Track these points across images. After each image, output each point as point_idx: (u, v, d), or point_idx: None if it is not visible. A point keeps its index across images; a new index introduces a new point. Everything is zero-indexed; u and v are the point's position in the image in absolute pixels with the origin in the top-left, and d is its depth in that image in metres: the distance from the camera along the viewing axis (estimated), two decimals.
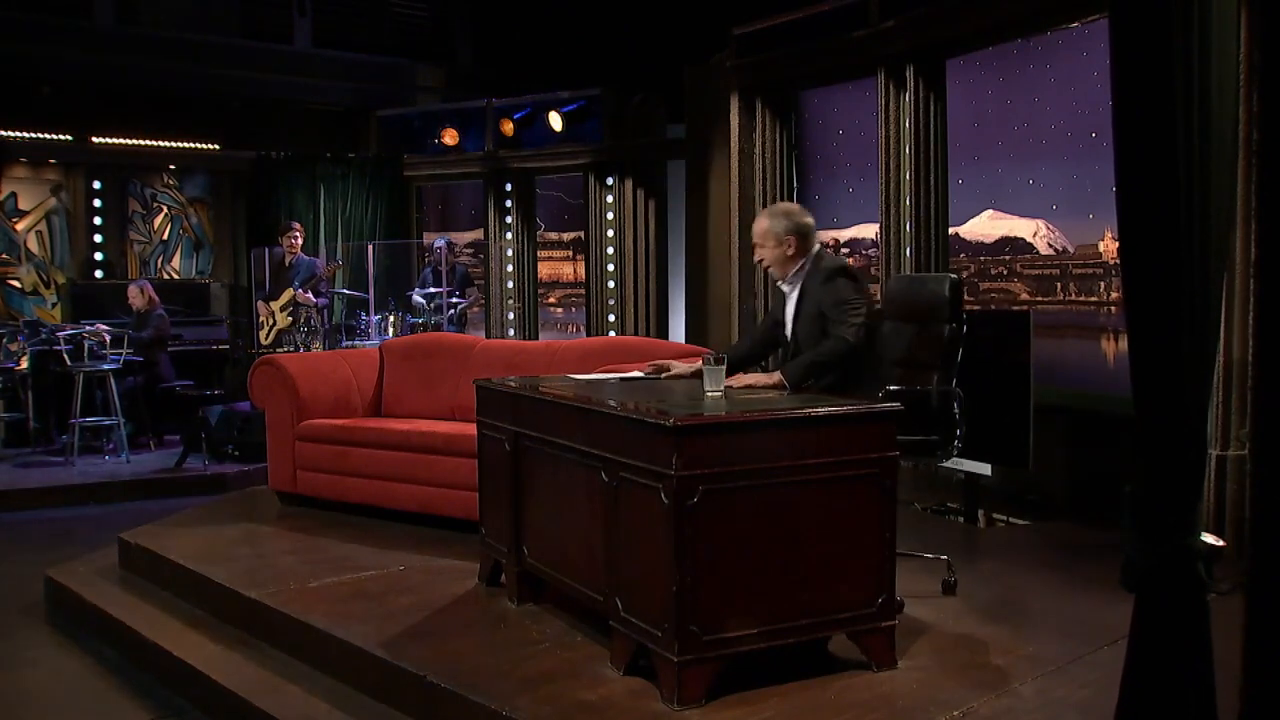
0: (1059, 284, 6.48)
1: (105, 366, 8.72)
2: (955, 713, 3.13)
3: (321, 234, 11.84)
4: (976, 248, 7.05)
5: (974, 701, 3.20)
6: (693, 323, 10.14)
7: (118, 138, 11.58)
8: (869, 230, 7.88)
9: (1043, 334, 6.02)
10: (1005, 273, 6.87)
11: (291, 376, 6.08)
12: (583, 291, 11.63)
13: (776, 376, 3.95)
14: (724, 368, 3.76)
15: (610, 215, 11.28)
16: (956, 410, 4.25)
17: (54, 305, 11.30)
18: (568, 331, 11.74)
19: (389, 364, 6.47)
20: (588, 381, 4.22)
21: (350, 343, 9.74)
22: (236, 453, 8.66)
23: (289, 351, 8.94)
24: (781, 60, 8.25)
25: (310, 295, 9.52)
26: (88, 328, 9.03)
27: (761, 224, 4.21)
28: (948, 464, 4.93)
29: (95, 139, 11.44)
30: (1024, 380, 5.56)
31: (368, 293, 10.54)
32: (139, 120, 11.68)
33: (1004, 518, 5.75)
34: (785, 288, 4.27)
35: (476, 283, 11.63)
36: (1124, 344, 5.74)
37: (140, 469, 8.54)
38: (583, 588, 3.71)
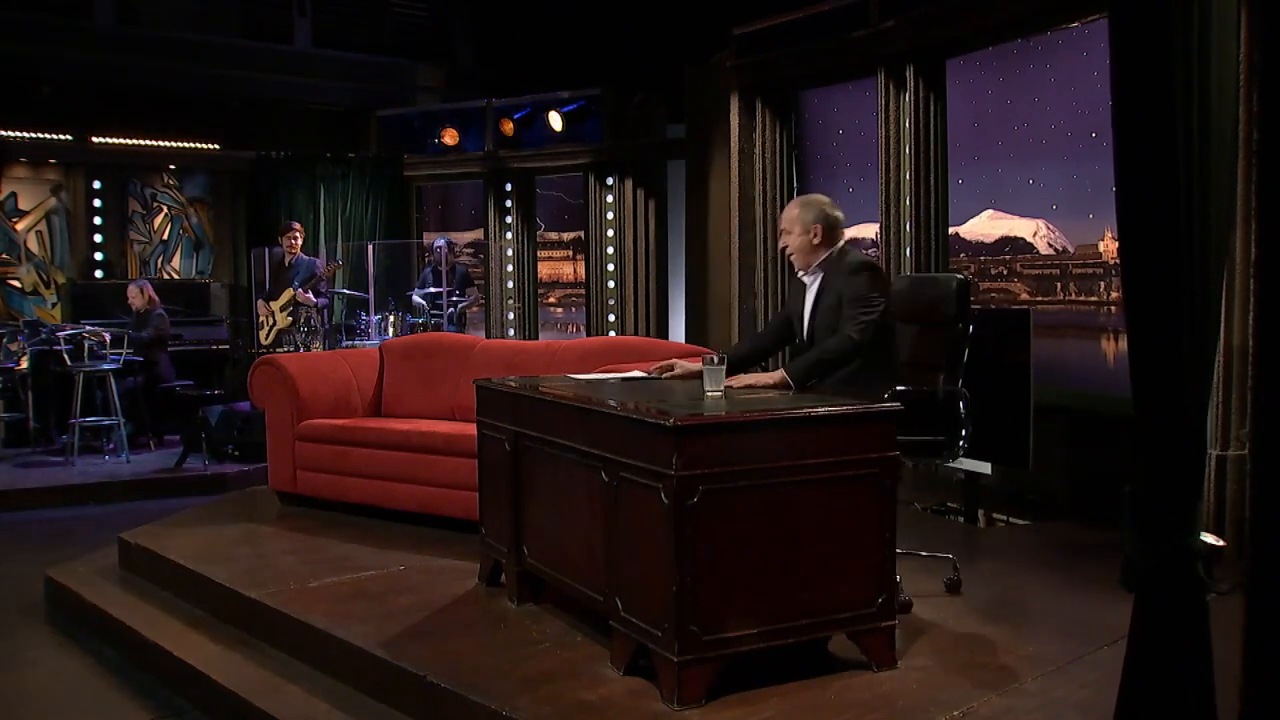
0: (1059, 284, 6.48)
1: (105, 366, 8.72)
2: (955, 713, 3.13)
3: (321, 234, 11.84)
4: (976, 247, 7.05)
5: (974, 701, 3.20)
6: (693, 323, 10.13)
7: (118, 138, 11.58)
8: (869, 230, 7.88)
9: (1043, 334, 6.02)
10: (1005, 273, 6.87)
11: (291, 376, 6.08)
12: (583, 291, 11.62)
13: (778, 375, 3.94)
14: (724, 368, 3.77)
15: (610, 215, 11.28)
16: (963, 411, 4.25)
17: (54, 305, 11.30)
18: (568, 331, 11.73)
19: (389, 364, 6.47)
20: (588, 381, 4.21)
21: (350, 343, 9.74)
22: (236, 453, 8.66)
23: (289, 351, 8.94)
24: (781, 60, 8.25)
25: (310, 295, 9.52)
26: (88, 328, 9.03)
27: (791, 210, 4.24)
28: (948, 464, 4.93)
29: (95, 139, 11.44)
30: (1024, 380, 5.56)
31: (368, 293, 10.54)
32: (139, 120, 11.68)
33: (1004, 518, 5.75)
34: (806, 279, 4.26)
35: (476, 283, 11.63)
36: (1124, 344, 5.74)
37: (140, 469, 8.54)
38: (583, 588, 3.71)
